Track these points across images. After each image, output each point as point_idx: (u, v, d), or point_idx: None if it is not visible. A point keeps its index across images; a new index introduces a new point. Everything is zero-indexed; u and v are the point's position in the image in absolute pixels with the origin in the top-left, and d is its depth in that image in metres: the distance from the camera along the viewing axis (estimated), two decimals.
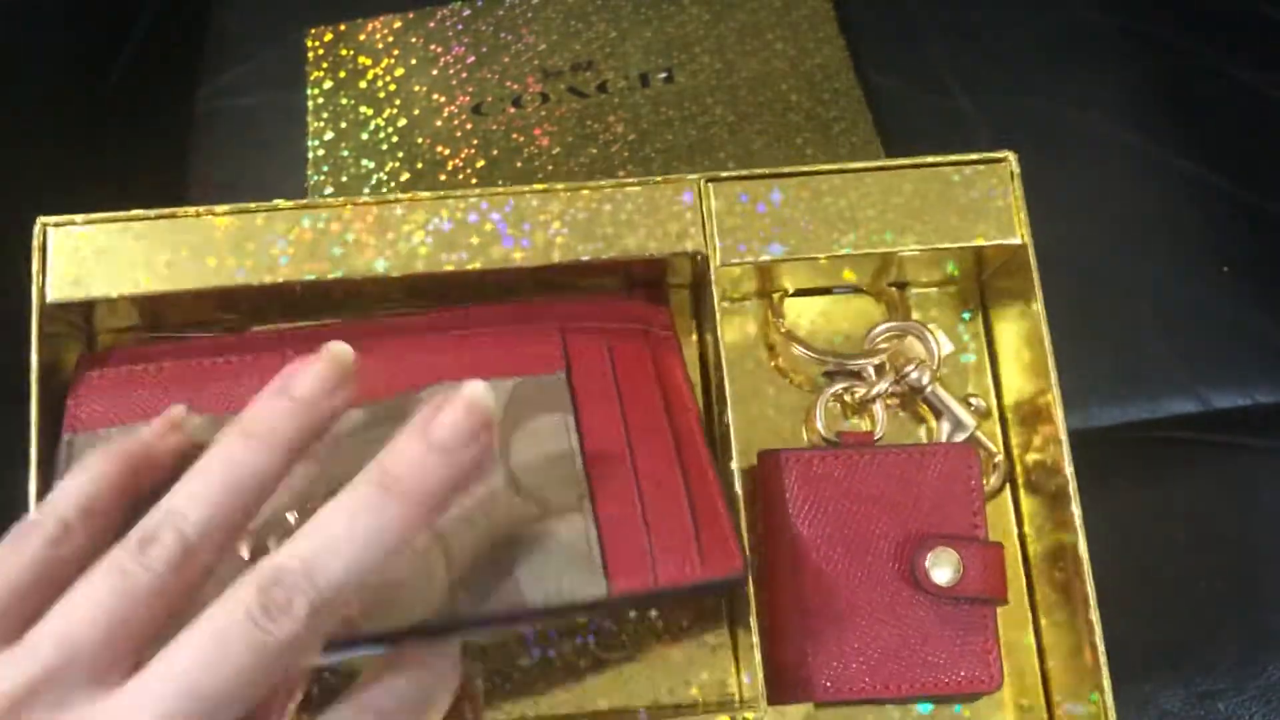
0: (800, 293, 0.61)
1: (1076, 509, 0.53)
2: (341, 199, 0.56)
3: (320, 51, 0.73)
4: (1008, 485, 0.58)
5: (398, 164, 0.69)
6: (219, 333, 0.58)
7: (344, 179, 0.69)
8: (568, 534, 0.48)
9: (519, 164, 0.69)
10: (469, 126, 0.70)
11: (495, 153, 0.69)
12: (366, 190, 0.68)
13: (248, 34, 0.74)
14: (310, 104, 0.71)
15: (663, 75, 0.71)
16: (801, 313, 0.61)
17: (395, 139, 0.70)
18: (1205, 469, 0.62)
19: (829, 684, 0.54)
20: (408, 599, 0.47)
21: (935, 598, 0.54)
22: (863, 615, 0.54)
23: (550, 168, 0.68)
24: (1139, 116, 0.71)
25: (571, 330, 0.54)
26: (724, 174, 0.56)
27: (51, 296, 0.54)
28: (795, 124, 0.70)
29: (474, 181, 0.68)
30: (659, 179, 0.56)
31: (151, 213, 0.55)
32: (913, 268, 0.59)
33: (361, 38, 0.73)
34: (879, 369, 0.59)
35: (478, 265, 0.55)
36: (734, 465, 0.53)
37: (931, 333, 0.58)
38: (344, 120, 0.70)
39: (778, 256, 0.55)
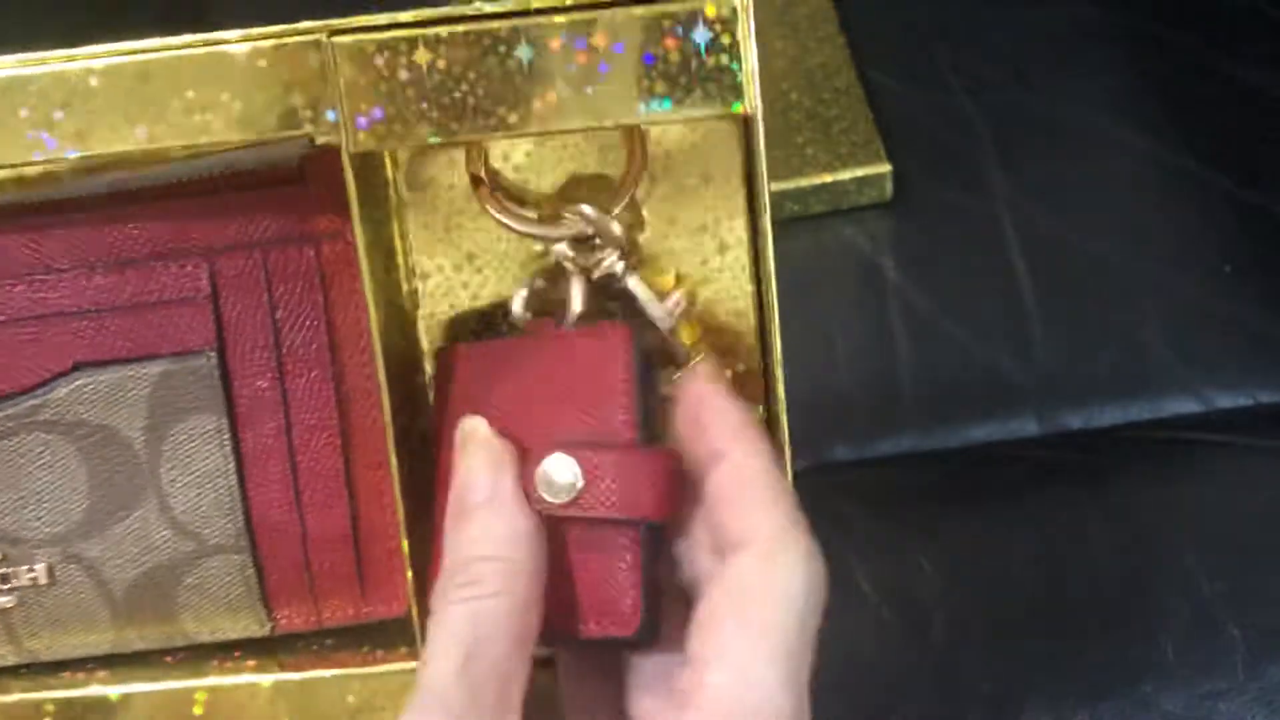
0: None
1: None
2: None
3: None
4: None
5: None
6: None
7: None
8: (227, 573, 0.45)
9: None
10: None
11: None
12: None
13: None
14: None
15: None
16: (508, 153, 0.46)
17: None
18: (1207, 469, 0.62)
19: None
20: (72, 633, 0.45)
21: (564, 521, 0.41)
22: None
23: None
24: (1139, 116, 0.71)
25: (220, 259, 0.43)
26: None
27: None
28: (795, 123, 0.70)
29: None
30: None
31: None
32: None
33: None
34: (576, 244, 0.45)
35: None
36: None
37: (609, 222, 0.45)
38: None
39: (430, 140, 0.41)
